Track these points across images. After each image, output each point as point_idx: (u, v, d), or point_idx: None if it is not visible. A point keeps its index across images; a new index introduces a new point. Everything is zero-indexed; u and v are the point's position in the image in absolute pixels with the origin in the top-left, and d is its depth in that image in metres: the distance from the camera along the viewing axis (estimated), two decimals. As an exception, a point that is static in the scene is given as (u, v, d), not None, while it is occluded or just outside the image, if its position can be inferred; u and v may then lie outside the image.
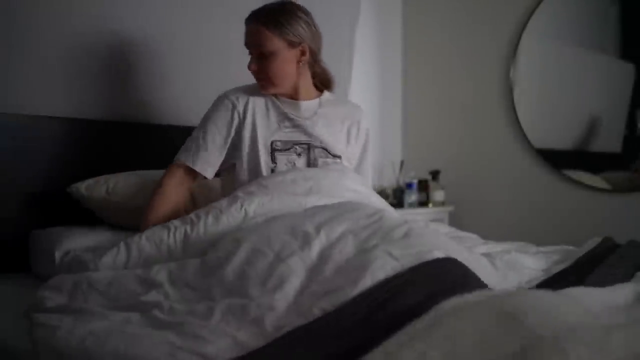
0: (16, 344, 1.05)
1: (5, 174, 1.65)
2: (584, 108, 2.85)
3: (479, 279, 1.01)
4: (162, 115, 2.05)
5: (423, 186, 3.09)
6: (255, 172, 1.53)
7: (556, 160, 2.89)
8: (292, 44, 1.51)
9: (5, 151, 1.65)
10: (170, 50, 2.07)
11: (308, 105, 1.59)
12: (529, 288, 1.17)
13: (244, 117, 1.53)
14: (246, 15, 1.55)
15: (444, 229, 1.96)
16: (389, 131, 3.32)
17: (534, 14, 2.91)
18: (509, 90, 3.02)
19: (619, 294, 0.94)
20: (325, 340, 0.78)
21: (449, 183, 3.16)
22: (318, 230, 1.12)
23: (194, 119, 2.12)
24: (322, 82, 1.66)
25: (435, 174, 3.12)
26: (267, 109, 1.57)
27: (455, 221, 3.01)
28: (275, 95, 1.58)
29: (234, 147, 1.54)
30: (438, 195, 3.09)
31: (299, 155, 1.57)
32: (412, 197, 3.01)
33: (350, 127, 1.66)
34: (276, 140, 1.55)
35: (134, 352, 0.84)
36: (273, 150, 1.55)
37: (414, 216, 2.65)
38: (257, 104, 1.57)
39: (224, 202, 1.35)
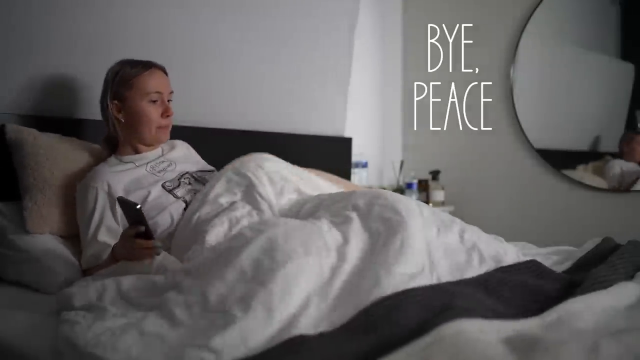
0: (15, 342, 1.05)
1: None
2: (584, 108, 2.85)
3: (466, 295, 0.99)
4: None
5: (423, 186, 3.09)
6: None
7: (556, 160, 2.89)
8: None
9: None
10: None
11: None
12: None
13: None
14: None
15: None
16: (389, 131, 3.31)
17: (533, 14, 2.90)
18: (509, 90, 3.02)
19: (622, 295, 0.94)
20: (330, 350, 0.79)
21: (449, 183, 3.16)
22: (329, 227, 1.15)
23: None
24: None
25: (435, 174, 3.12)
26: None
27: (455, 221, 3.00)
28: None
29: None
30: (438, 195, 3.09)
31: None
32: (412, 197, 3.00)
33: None
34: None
35: (145, 348, 0.86)
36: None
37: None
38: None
39: None
